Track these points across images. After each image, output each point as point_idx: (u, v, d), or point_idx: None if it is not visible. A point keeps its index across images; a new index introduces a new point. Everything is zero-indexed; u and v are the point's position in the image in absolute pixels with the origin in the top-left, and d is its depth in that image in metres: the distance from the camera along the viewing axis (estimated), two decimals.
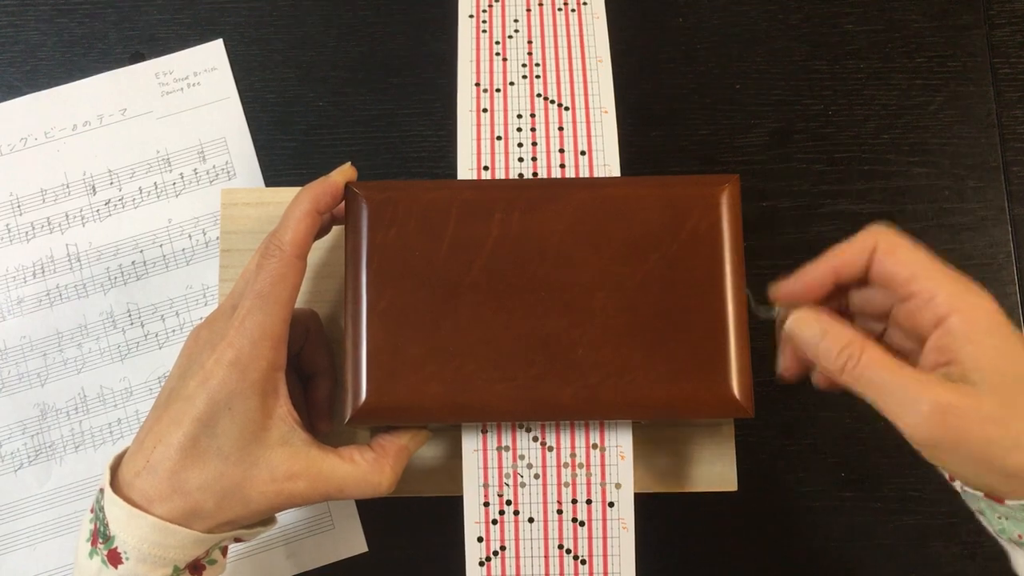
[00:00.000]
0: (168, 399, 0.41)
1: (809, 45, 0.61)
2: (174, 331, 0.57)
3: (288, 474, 0.41)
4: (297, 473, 0.41)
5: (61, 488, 0.56)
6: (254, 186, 0.59)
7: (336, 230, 0.48)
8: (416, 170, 0.59)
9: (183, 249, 0.58)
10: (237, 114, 0.60)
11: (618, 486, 0.44)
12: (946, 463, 0.38)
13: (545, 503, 0.44)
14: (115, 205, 0.58)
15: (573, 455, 0.44)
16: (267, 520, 0.44)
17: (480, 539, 0.44)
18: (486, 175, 0.45)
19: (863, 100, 0.60)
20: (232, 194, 0.51)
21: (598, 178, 0.45)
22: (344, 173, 0.44)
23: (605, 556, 0.43)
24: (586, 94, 0.47)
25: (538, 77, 0.47)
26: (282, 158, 0.59)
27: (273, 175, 0.59)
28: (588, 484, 0.44)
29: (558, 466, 0.44)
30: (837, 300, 0.43)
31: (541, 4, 0.49)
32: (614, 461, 0.43)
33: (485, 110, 0.46)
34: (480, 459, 0.44)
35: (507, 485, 0.44)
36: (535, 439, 0.44)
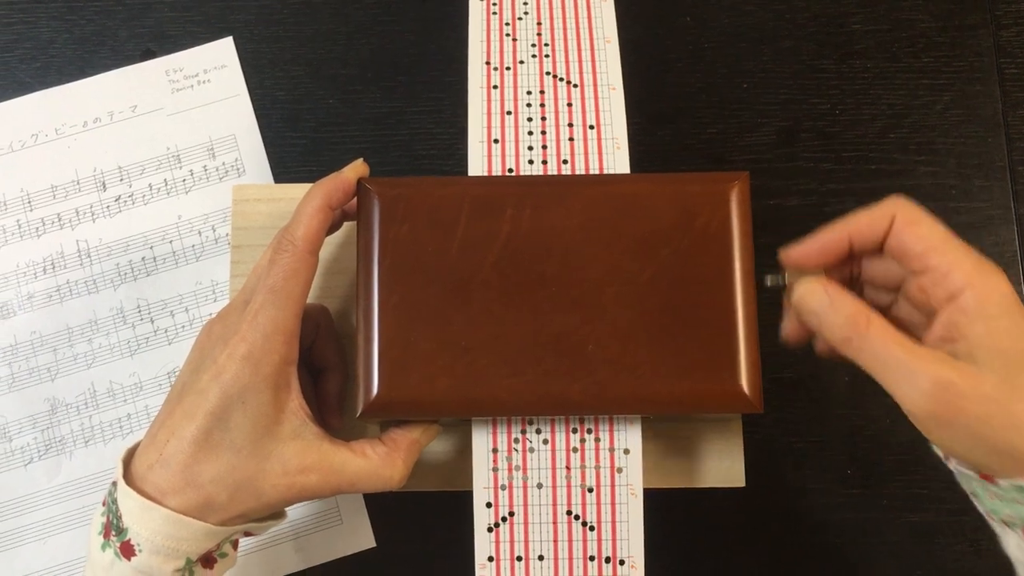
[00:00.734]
0: (181, 393, 0.41)
1: (816, 44, 0.61)
2: (184, 327, 0.57)
3: (300, 467, 0.41)
4: (309, 467, 0.41)
5: (71, 483, 0.56)
6: (264, 183, 0.59)
7: (347, 226, 0.49)
8: (425, 167, 0.59)
9: (193, 245, 0.58)
10: (247, 111, 0.60)
11: (627, 452, 0.44)
12: (942, 439, 0.38)
13: (554, 468, 0.44)
14: (125, 201, 0.59)
15: (582, 420, 0.44)
16: (278, 514, 0.44)
17: (489, 504, 0.44)
18: (496, 148, 0.46)
19: (870, 99, 0.60)
20: (243, 190, 0.51)
21: (609, 175, 0.45)
22: (356, 169, 0.44)
23: (614, 522, 0.44)
24: (594, 72, 0.47)
25: (547, 56, 0.48)
26: (292, 155, 0.60)
27: (283, 172, 0.59)
28: (596, 450, 0.44)
29: (567, 431, 0.44)
30: (848, 268, 0.43)
31: None
32: (623, 427, 0.44)
33: (495, 86, 0.47)
34: (490, 426, 0.44)
35: (516, 450, 0.44)
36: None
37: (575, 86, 0.47)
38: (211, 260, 0.58)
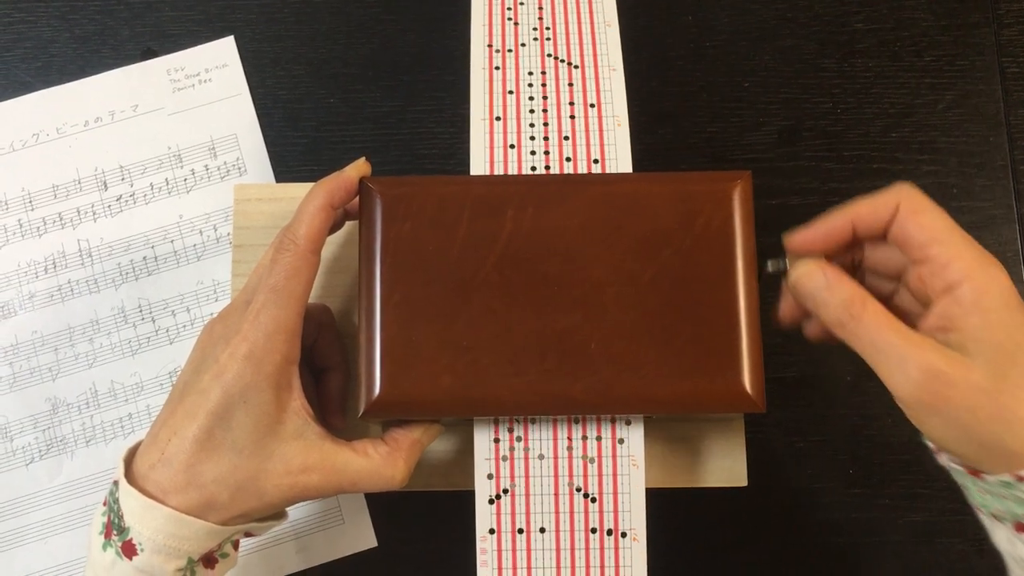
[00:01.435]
0: (182, 392, 0.41)
1: (818, 43, 0.61)
2: (185, 326, 0.57)
3: (302, 467, 0.41)
4: (311, 466, 0.41)
5: (72, 482, 0.56)
6: (265, 182, 0.59)
7: (349, 225, 0.49)
8: (427, 167, 0.59)
9: (194, 245, 0.58)
10: (248, 111, 0.60)
11: (628, 423, 0.44)
12: (928, 427, 0.38)
13: (555, 440, 0.44)
14: (126, 201, 0.59)
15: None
16: (279, 514, 0.44)
17: (490, 476, 0.44)
18: (498, 125, 0.46)
19: (872, 98, 0.60)
20: (245, 189, 0.51)
21: (611, 174, 0.45)
22: (358, 168, 0.44)
23: (615, 494, 0.44)
24: (595, 54, 0.48)
25: (548, 39, 0.48)
26: (293, 154, 0.60)
27: (284, 171, 0.59)
28: (598, 421, 0.44)
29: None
30: (851, 254, 0.43)
31: None
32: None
33: (497, 68, 0.47)
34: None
35: (517, 421, 0.44)
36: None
37: (576, 67, 0.47)
38: (212, 259, 0.58)
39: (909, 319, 0.40)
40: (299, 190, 0.46)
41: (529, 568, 0.44)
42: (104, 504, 0.41)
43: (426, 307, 0.42)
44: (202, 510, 0.40)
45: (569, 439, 0.44)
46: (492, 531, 0.44)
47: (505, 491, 0.44)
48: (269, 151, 0.59)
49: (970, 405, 0.37)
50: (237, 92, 0.60)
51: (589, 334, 0.42)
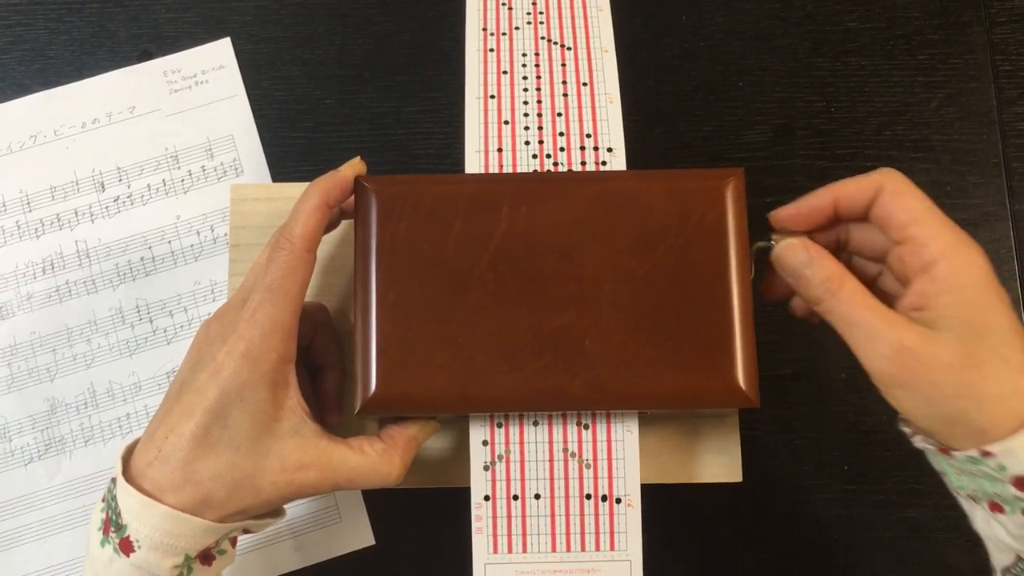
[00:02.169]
0: (179, 391, 0.41)
1: (811, 42, 0.61)
2: (182, 327, 0.58)
3: (299, 464, 0.41)
4: (308, 463, 0.41)
5: (70, 482, 0.56)
6: (261, 183, 0.59)
7: (345, 224, 0.49)
8: (422, 167, 0.59)
9: (191, 245, 0.58)
10: (245, 111, 0.60)
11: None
12: (900, 402, 0.39)
13: (550, 415, 0.44)
14: (124, 202, 0.59)
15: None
16: (276, 512, 0.45)
17: (485, 443, 0.44)
18: (492, 103, 0.47)
19: (865, 97, 0.61)
20: (241, 189, 0.52)
21: (605, 171, 0.45)
22: (354, 167, 0.44)
23: (610, 459, 0.44)
24: (587, 36, 0.49)
25: (542, 23, 0.49)
26: (289, 155, 0.60)
27: (280, 172, 0.60)
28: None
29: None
30: (835, 233, 0.45)
31: None
32: None
33: (492, 50, 0.48)
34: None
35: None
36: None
37: (568, 49, 0.48)
38: (210, 260, 0.58)
39: (892, 300, 0.41)
40: (295, 190, 0.46)
41: (524, 534, 0.44)
42: (103, 501, 0.41)
43: (422, 305, 0.43)
44: (199, 507, 0.40)
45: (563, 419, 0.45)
46: (487, 498, 0.44)
47: (500, 457, 0.44)
48: (266, 152, 0.60)
49: (937, 381, 0.38)
50: (234, 93, 0.60)
51: (584, 331, 0.42)
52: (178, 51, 0.61)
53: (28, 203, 0.59)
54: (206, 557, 0.42)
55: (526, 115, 0.47)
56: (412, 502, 0.55)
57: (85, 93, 0.60)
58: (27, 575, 0.55)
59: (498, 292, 0.43)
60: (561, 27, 0.49)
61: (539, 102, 0.47)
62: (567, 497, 0.44)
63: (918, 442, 0.41)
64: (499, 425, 0.44)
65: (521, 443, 0.44)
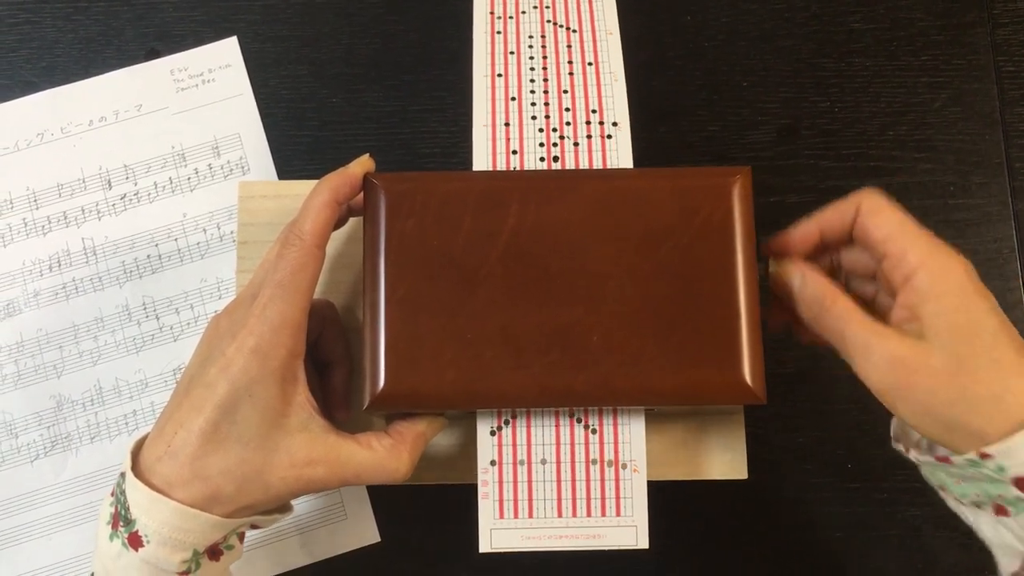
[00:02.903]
0: (189, 386, 0.41)
1: (816, 43, 0.62)
2: (189, 324, 0.58)
3: (307, 460, 0.41)
4: (316, 459, 0.41)
5: (77, 479, 0.56)
6: (267, 180, 0.59)
7: (353, 221, 0.49)
8: (428, 166, 0.60)
9: (198, 243, 0.59)
10: (251, 110, 0.60)
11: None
12: (900, 412, 0.40)
13: None
14: (130, 200, 0.59)
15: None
16: (284, 507, 0.45)
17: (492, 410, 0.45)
18: (500, 81, 0.47)
19: (869, 97, 0.61)
20: (249, 187, 0.52)
21: (612, 169, 0.45)
22: (363, 164, 0.44)
23: (615, 425, 0.44)
24: (592, 19, 0.50)
25: (548, 7, 0.51)
26: (296, 154, 0.60)
27: (287, 170, 0.60)
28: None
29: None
30: (828, 257, 0.46)
31: None
32: None
33: (499, 32, 0.49)
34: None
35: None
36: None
37: (574, 31, 0.49)
38: (216, 257, 0.58)
39: (888, 316, 0.42)
40: (303, 187, 0.46)
41: (530, 499, 0.44)
42: (111, 495, 0.41)
43: (430, 302, 0.43)
44: (207, 503, 0.40)
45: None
46: (493, 463, 0.45)
47: (506, 422, 0.45)
48: (272, 150, 0.60)
49: (931, 388, 0.38)
50: (240, 92, 0.61)
51: (591, 327, 0.42)
52: (185, 50, 0.61)
53: (35, 200, 0.59)
54: (214, 552, 0.42)
55: (532, 92, 0.47)
56: (418, 499, 0.55)
57: (92, 91, 0.60)
58: (34, 571, 0.55)
59: (506, 289, 0.43)
60: (567, 11, 0.50)
61: (545, 80, 0.48)
62: (573, 462, 0.44)
63: (913, 456, 0.42)
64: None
65: (528, 409, 0.45)
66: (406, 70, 0.61)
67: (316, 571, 0.55)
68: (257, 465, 0.41)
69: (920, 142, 0.60)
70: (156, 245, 0.59)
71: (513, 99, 0.47)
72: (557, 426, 0.45)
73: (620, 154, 0.46)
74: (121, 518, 0.40)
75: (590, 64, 0.48)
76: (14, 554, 0.55)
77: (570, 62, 0.48)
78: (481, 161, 0.46)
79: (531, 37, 0.49)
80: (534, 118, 0.47)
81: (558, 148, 0.46)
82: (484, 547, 0.45)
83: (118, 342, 0.58)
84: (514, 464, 0.44)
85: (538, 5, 0.50)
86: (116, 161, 0.60)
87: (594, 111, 0.47)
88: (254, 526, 0.44)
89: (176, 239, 0.59)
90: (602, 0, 0.51)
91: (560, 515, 0.44)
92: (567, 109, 0.47)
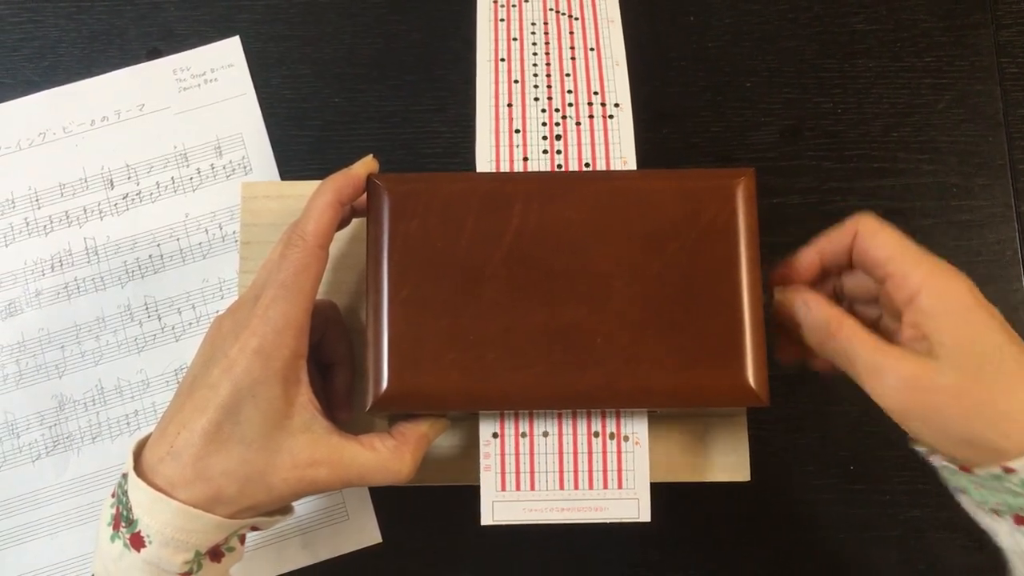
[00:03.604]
0: (191, 386, 0.41)
1: (819, 44, 0.62)
2: (191, 324, 0.58)
3: (310, 461, 0.41)
4: (319, 460, 0.41)
5: (79, 478, 0.56)
6: (271, 180, 0.59)
7: (355, 222, 0.49)
8: (430, 166, 0.60)
9: (200, 243, 0.59)
10: (253, 110, 0.60)
11: None
12: (918, 432, 0.40)
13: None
14: (132, 199, 0.59)
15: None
16: (286, 508, 0.45)
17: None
18: (503, 66, 0.48)
19: (872, 99, 0.61)
20: (252, 187, 0.52)
21: (616, 171, 0.45)
22: (366, 165, 0.44)
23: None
24: (594, 8, 0.50)
25: None
26: (298, 154, 0.60)
27: (289, 171, 0.60)
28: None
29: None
30: (830, 284, 0.46)
31: None
32: None
33: (502, 20, 0.50)
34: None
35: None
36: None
37: (576, 19, 0.50)
38: (218, 258, 0.58)
39: (893, 339, 0.42)
40: (306, 187, 0.46)
41: (532, 472, 0.44)
42: (113, 495, 0.41)
43: (433, 302, 0.43)
44: (210, 503, 0.40)
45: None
46: (495, 435, 0.45)
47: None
48: (274, 150, 0.60)
49: (947, 406, 0.38)
50: (242, 92, 0.61)
51: (595, 328, 0.42)
52: (187, 49, 0.61)
53: (37, 200, 0.59)
54: (215, 554, 0.42)
55: (535, 75, 0.48)
56: (420, 500, 0.55)
57: (94, 91, 0.60)
58: (37, 571, 0.55)
59: (510, 290, 0.43)
60: (569, 0, 0.51)
61: (547, 64, 0.48)
62: (575, 434, 0.44)
63: (935, 461, 0.42)
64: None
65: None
66: (408, 70, 0.61)
67: (317, 572, 0.55)
68: (260, 466, 0.40)
69: (923, 143, 0.60)
70: (158, 245, 0.58)
71: (516, 82, 0.48)
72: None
73: (622, 135, 0.46)
74: (123, 519, 0.40)
75: (592, 50, 0.49)
76: (16, 554, 0.55)
77: (572, 47, 0.49)
78: (484, 141, 0.46)
79: (533, 24, 0.50)
80: (536, 99, 0.47)
81: (560, 127, 0.46)
82: (486, 519, 0.44)
83: (120, 342, 0.57)
84: (516, 436, 0.44)
85: None
86: (118, 161, 0.59)
87: (596, 93, 0.47)
88: (255, 528, 0.44)
89: (178, 239, 0.59)
90: None
91: (562, 487, 0.44)
92: (569, 91, 0.47)
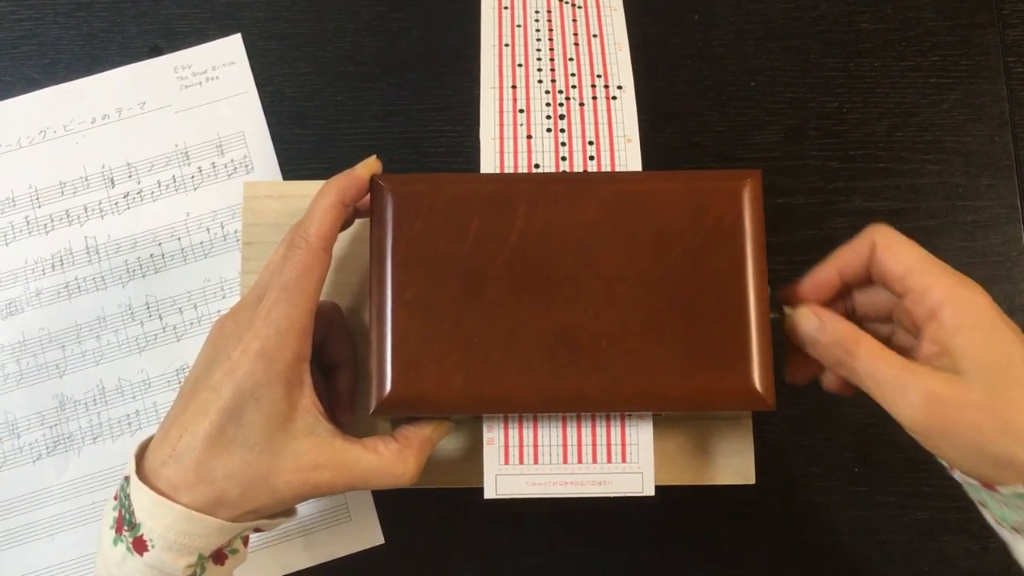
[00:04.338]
0: (194, 389, 0.41)
1: (824, 43, 0.61)
2: (192, 324, 0.57)
3: (313, 464, 0.41)
4: (322, 463, 0.41)
5: (79, 479, 0.56)
6: (272, 180, 0.59)
7: (359, 223, 0.49)
8: (433, 165, 0.59)
9: (201, 242, 0.58)
10: (255, 108, 0.60)
11: None
12: (942, 451, 0.39)
13: None
14: (133, 198, 0.59)
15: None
16: (289, 511, 0.44)
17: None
18: (507, 51, 0.48)
19: (877, 98, 0.60)
20: (254, 187, 0.51)
21: (621, 172, 0.45)
22: (369, 166, 0.44)
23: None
24: None
25: None
26: (300, 152, 0.60)
27: (291, 169, 0.59)
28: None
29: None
30: (842, 304, 0.45)
31: None
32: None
33: (506, 8, 0.50)
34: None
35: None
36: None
37: (579, 7, 0.50)
38: (220, 257, 0.58)
39: (909, 354, 0.41)
40: (308, 188, 0.46)
41: (536, 445, 0.44)
42: (115, 498, 0.41)
43: (437, 305, 0.42)
44: (213, 507, 0.40)
45: None
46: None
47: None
48: (276, 149, 0.60)
49: (975, 424, 0.37)
50: (244, 90, 0.60)
51: (600, 331, 0.42)
52: (189, 47, 0.61)
53: (37, 198, 0.59)
54: (218, 556, 0.42)
55: (539, 59, 0.48)
56: (422, 501, 0.55)
57: (95, 89, 0.60)
58: (37, 572, 0.55)
59: (514, 292, 0.42)
60: None
61: (551, 49, 0.49)
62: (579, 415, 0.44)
63: (958, 476, 0.41)
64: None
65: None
66: (411, 68, 0.61)
67: (320, 573, 0.55)
68: (262, 469, 0.40)
69: (928, 143, 0.60)
70: (159, 244, 0.58)
71: (520, 65, 0.48)
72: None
73: (625, 114, 0.46)
74: (125, 522, 0.40)
75: (595, 36, 0.49)
76: (19, 555, 0.55)
77: (575, 34, 0.49)
78: (488, 121, 0.46)
79: (537, 12, 0.50)
80: (540, 82, 0.47)
81: (564, 108, 0.46)
82: (489, 493, 0.44)
83: (121, 342, 0.57)
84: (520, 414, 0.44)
85: None
86: (119, 159, 0.59)
87: (599, 75, 0.48)
88: (258, 529, 0.44)
89: (179, 238, 0.58)
90: None
91: (566, 461, 0.44)
92: (572, 74, 0.48)
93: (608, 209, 0.43)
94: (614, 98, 0.47)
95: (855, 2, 0.62)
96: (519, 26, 0.49)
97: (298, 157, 0.60)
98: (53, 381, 0.57)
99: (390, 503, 0.55)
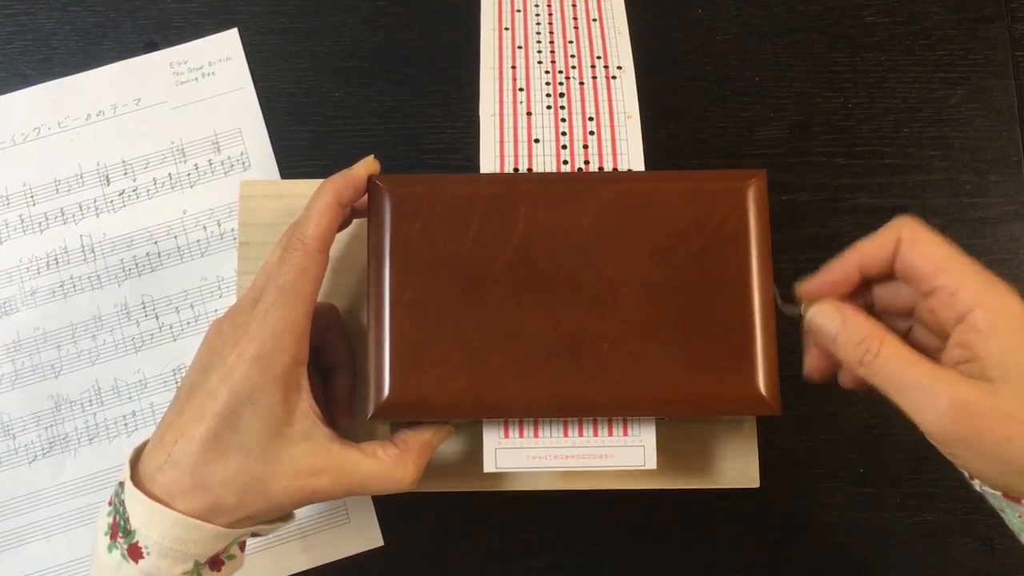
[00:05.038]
0: (189, 393, 0.41)
1: (829, 37, 0.60)
2: (189, 323, 0.57)
3: (311, 469, 0.40)
4: (320, 469, 0.40)
5: (75, 480, 0.55)
6: (269, 177, 0.58)
7: (356, 222, 0.48)
8: (432, 162, 0.59)
9: (198, 240, 0.58)
10: (252, 104, 0.59)
11: None
12: (964, 460, 0.38)
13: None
14: (129, 196, 0.58)
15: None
16: (286, 515, 0.44)
17: None
18: (507, 34, 0.48)
19: (883, 93, 0.60)
20: (251, 186, 0.51)
21: (624, 172, 0.44)
22: (367, 166, 0.43)
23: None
24: None
25: None
26: (297, 149, 0.59)
27: (288, 166, 0.59)
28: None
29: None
30: (863, 297, 0.43)
31: None
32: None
33: None
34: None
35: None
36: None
37: None
38: (216, 255, 0.57)
39: (930, 354, 0.39)
40: (305, 187, 0.45)
41: (536, 419, 0.44)
42: (109, 504, 0.40)
43: (436, 307, 0.42)
44: (209, 513, 0.39)
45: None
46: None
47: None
48: (273, 145, 0.59)
49: (1005, 434, 0.36)
50: (241, 86, 0.59)
51: (602, 334, 0.41)
52: (184, 42, 0.60)
53: (32, 196, 0.58)
54: (215, 563, 0.41)
55: (539, 42, 0.48)
56: (421, 503, 0.54)
57: (89, 85, 0.59)
58: (34, 573, 0.54)
59: (515, 294, 0.42)
60: None
61: (551, 32, 0.48)
62: None
63: (977, 485, 0.40)
64: None
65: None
66: (410, 64, 0.60)
67: (319, 575, 0.54)
68: (259, 475, 0.40)
69: (936, 139, 0.59)
70: (155, 242, 0.57)
71: (520, 47, 0.47)
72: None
73: (625, 93, 0.46)
74: (120, 529, 0.39)
75: (594, 20, 0.49)
76: (13, 557, 0.55)
77: (575, 18, 0.49)
78: (488, 100, 0.45)
79: (537, 4, 0.50)
80: (540, 63, 0.47)
81: (564, 87, 0.46)
82: (488, 467, 0.43)
83: (117, 341, 0.57)
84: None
85: None
86: (114, 156, 0.58)
87: (599, 57, 0.47)
88: (255, 534, 0.43)
89: (176, 236, 0.58)
90: None
91: (566, 435, 0.43)
92: (572, 55, 0.47)
93: (610, 210, 0.42)
94: (614, 78, 0.46)
95: None
96: (518, 11, 0.49)
97: (296, 153, 0.59)
98: (49, 381, 0.56)
99: (389, 505, 0.55)
